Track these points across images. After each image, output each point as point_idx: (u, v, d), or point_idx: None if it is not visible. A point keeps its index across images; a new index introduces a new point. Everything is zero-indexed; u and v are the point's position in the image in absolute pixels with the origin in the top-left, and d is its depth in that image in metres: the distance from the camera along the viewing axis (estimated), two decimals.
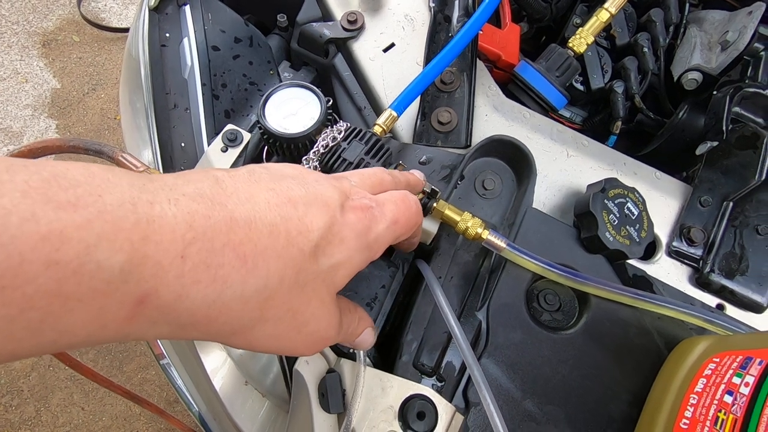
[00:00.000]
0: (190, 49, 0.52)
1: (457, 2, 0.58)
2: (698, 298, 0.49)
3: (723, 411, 0.33)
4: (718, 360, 0.37)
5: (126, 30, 2.03)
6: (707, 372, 0.37)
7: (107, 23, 2.07)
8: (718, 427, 0.32)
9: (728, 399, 0.33)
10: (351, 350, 0.43)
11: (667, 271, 0.50)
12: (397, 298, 0.49)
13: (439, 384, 0.44)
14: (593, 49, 0.73)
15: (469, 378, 0.44)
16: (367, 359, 0.44)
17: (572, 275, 0.44)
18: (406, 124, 0.55)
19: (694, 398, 0.36)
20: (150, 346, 0.78)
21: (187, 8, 0.55)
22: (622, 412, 0.43)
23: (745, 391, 0.32)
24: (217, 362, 0.54)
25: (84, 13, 2.05)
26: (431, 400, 0.41)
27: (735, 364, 0.35)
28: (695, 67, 0.69)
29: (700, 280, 0.49)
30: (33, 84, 1.91)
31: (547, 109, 0.61)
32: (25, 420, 1.32)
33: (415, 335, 0.45)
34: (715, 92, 0.64)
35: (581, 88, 0.74)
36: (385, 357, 0.47)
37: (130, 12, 2.12)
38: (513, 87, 0.61)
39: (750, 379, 0.32)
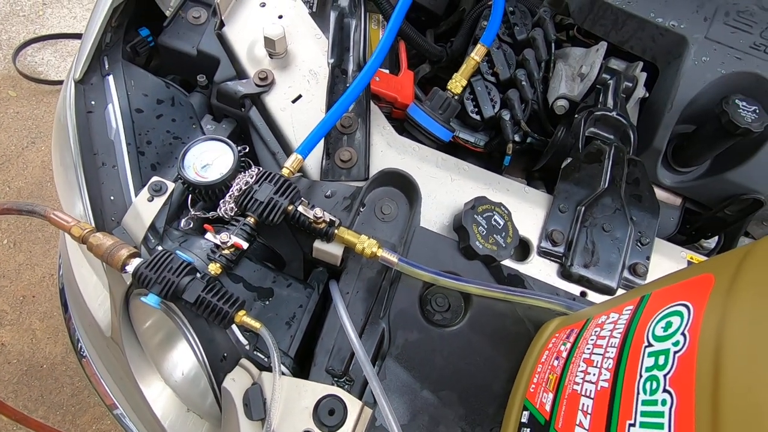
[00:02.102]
0: (114, 113, 0.59)
1: (351, 58, 0.68)
2: (564, 288, 0.60)
3: (552, 372, 0.42)
4: (558, 335, 0.47)
5: None
6: (550, 345, 0.47)
7: (45, 76, 2.08)
8: (548, 386, 0.41)
9: (555, 363, 0.42)
10: (269, 364, 0.50)
11: (539, 268, 0.61)
12: (314, 315, 0.57)
13: (349, 384, 0.51)
14: (482, 84, 0.86)
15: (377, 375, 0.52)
16: (286, 369, 0.51)
17: (455, 280, 0.53)
18: (314, 163, 0.64)
19: (539, 367, 0.46)
20: (101, 396, 0.80)
21: (111, 78, 0.62)
22: (503, 388, 0.52)
23: (564, 354, 0.41)
24: (156, 392, 0.59)
25: (20, 68, 2.05)
26: (341, 399, 0.48)
27: (564, 336, 0.44)
28: (562, 95, 0.82)
29: (564, 273, 0.60)
30: None
31: (436, 142, 0.72)
32: None
33: (326, 345, 0.52)
34: (576, 116, 0.77)
35: (477, 117, 0.86)
36: (303, 366, 0.53)
37: (68, 64, 2.14)
38: (407, 125, 0.72)
39: (568, 345, 0.42)
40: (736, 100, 0.71)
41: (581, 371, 0.36)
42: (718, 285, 0.27)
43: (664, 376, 0.27)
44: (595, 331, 0.38)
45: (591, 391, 0.34)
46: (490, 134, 0.92)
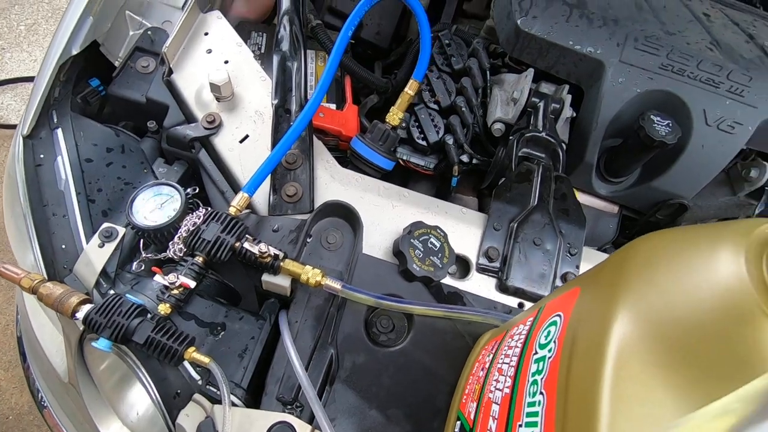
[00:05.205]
0: (63, 165, 0.61)
1: (294, 99, 0.73)
2: (502, 302, 0.64)
3: (477, 383, 0.46)
4: (487, 347, 0.51)
5: None
6: (480, 357, 0.50)
7: (5, 121, 2.06)
8: (473, 396, 0.45)
9: (481, 374, 0.46)
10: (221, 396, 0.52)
11: (478, 284, 0.65)
12: (267, 346, 0.59)
13: (299, 410, 0.53)
14: (425, 112, 0.91)
15: (327, 400, 0.55)
16: (238, 400, 0.53)
17: (397, 302, 0.57)
18: (263, 199, 0.67)
19: (471, 379, 0.49)
20: None
21: (59, 131, 0.64)
22: (446, 401, 0.55)
23: (487, 365, 0.45)
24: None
25: None
26: (291, 425, 0.51)
27: (490, 348, 0.48)
28: (498, 119, 0.89)
29: (501, 287, 0.64)
30: None
31: (380, 171, 0.76)
32: None
33: (277, 373, 0.54)
34: (510, 137, 0.83)
35: (423, 143, 0.91)
36: (256, 396, 0.56)
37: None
38: (351, 157, 0.76)
39: (490, 357, 0.46)
40: (652, 116, 0.78)
41: (495, 380, 0.40)
42: (581, 296, 0.31)
43: (541, 380, 0.31)
44: (508, 342, 0.42)
45: (499, 397, 0.37)
46: (439, 157, 0.98)
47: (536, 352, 0.34)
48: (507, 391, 0.36)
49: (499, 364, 0.41)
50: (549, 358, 0.31)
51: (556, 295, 0.37)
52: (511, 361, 0.38)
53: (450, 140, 0.89)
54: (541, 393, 0.30)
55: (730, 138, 0.82)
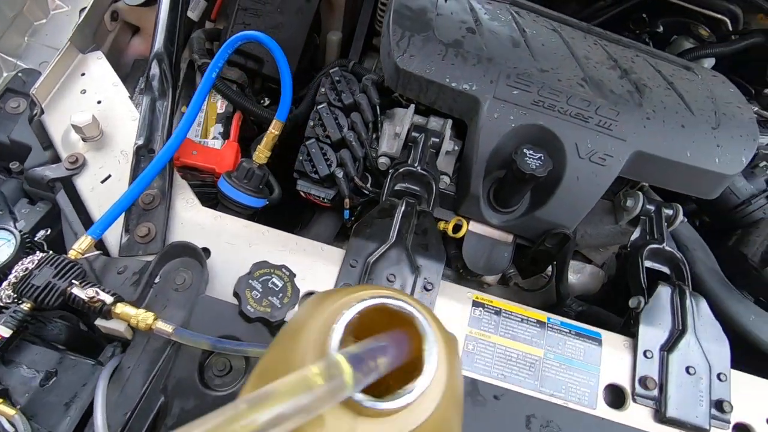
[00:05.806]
0: None
1: (158, 139, 0.73)
2: None
3: None
4: None
5: None
6: None
7: None
8: None
9: None
10: None
11: None
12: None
13: None
14: (316, 146, 0.93)
15: None
16: None
17: (232, 345, 0.56)
18: (117, 240, 0.67)
19: None
20: None
21: None
22: None
23: None
24: None
25: None
26: None
27: None
28: (383, 153, 0.90)
29: None
30: None
31: (247, 210, 0.77)
32: None
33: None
34: (390, 171, 0.85)
35: (316, 177, 0.92)
36: None
37: None
38: (219, 197, 0.77)
39: None
40: (525, 149, 0.80)
41: None
42: None
43: None
44: None
45: None
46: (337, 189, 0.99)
47: None
48: None
49: None
50: None
51: None
52: None
53: (339, 174, 0.90)
54: None
55: (603, 170, 0.85)
